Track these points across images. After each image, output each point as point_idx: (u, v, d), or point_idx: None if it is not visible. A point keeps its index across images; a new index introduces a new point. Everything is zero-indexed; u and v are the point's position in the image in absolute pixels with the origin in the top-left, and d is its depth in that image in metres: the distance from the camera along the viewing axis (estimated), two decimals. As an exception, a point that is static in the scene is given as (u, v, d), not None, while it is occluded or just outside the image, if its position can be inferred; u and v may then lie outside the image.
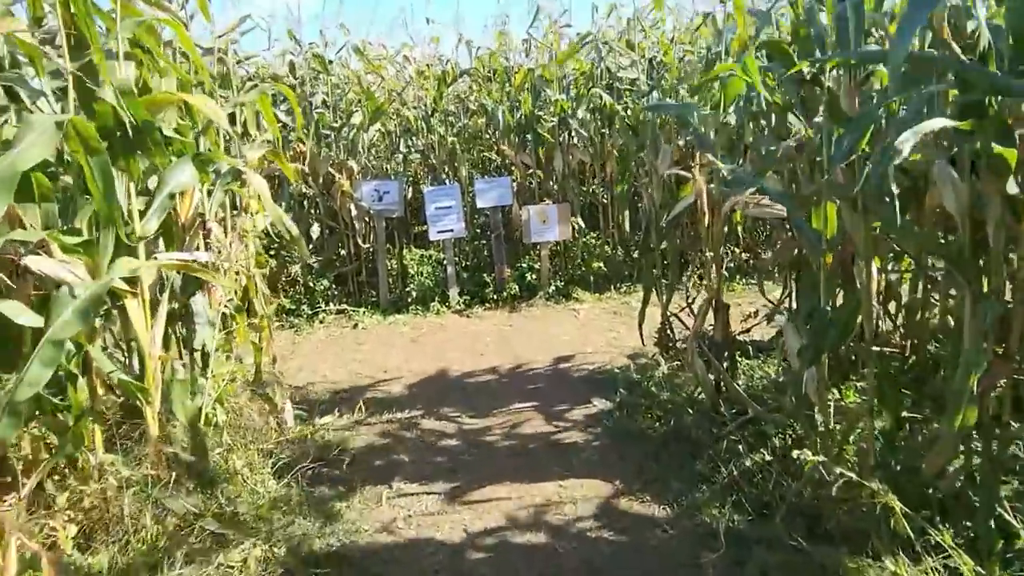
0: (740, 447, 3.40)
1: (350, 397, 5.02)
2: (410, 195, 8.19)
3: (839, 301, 3.08)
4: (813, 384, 2.63)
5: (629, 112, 7.09)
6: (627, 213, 7.30)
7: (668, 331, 4.68)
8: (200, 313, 3.43)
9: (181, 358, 3.75)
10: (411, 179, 8.01)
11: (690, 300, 4.60)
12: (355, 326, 6.79)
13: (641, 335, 4.92)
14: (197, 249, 3.54)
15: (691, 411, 3.83)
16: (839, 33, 2.29)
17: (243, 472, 3.41)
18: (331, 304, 7.12)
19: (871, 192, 2.40)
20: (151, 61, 3.34)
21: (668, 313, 4.62)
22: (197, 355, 3.60)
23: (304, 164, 7.35)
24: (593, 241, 7.57)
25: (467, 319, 6.82)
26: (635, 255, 7.59)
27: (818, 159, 3.14)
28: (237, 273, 3.66)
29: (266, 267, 4.83)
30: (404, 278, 7.51)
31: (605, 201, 7.55)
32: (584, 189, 7.74)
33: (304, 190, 7.23)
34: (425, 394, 4.98)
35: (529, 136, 7.34)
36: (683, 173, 4.17)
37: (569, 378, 5.10)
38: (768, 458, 3.30)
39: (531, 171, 7.51)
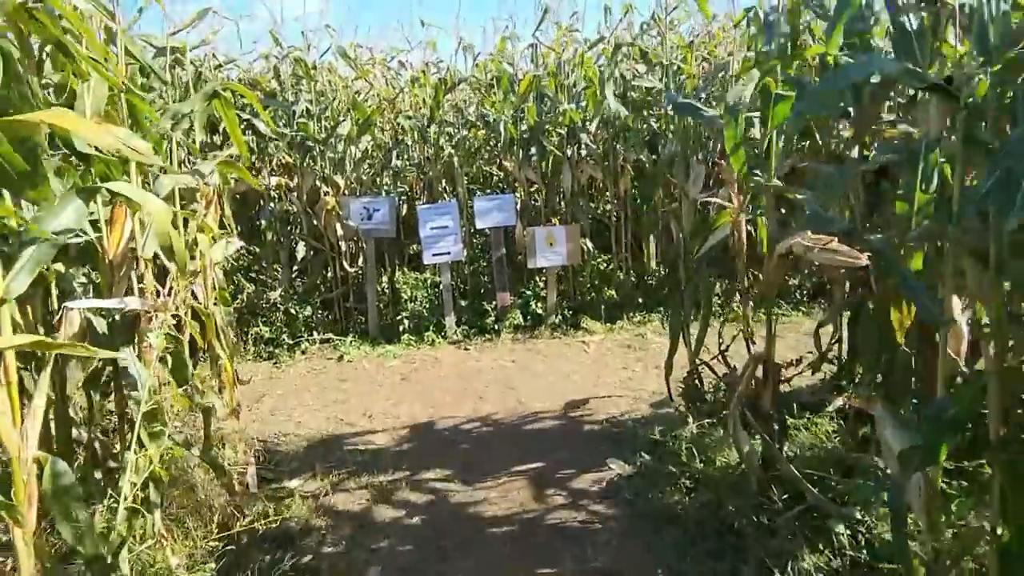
0: (797, 545, 2.72)
1: (326, 451, 4.35)
2: (404, 212, 7.55)
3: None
4: (919, 497, 1.95)
5: (647, 124, 6.45)
6: (645, 238, 6.62)
7: (696, 381, 4.01)
8: (130, 372, 2.77)
9: (122, 421, 3.10)
10: (405, 195, 7.36)
11: (723, 345, 3.92)
12: (340, 358, 6.12)
13: (668, 388, 4.25)
14: (128, 293, 2.88)
15: (732, 490, 3.15)
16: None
17: (179, 572, 2.74)
18: (315, 333, 6.45)
19: (1012, 243, 1.74)
20: (71, 63, 2.71)
21: (697, 360, 3.95)
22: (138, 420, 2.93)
23: (289, 178, 6.72)
24: (603, 265, 6.91)
25: (465, 352, 6.15)
26: (650, 282, 6.93)
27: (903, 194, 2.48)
28: (179, 322, 3.00)
29: (231, 303, 4.17)
30: (396, 304, 6.84)
31: (616, 220, 6.88)
32: (593, 207, 7.08)
33: (287, 207, 6.58)
34: (413, 450, 4.31)
35: (534, 149, 6.69)
36: (721, 202, 3.51)
37: (580, 431, 4.42)
38: (835, 563, 2.63)
39: (536, 188, 6.86)
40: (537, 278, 6.83)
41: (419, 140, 7.34)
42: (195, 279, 3.72)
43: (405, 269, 7.24)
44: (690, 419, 3.83)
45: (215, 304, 4.00)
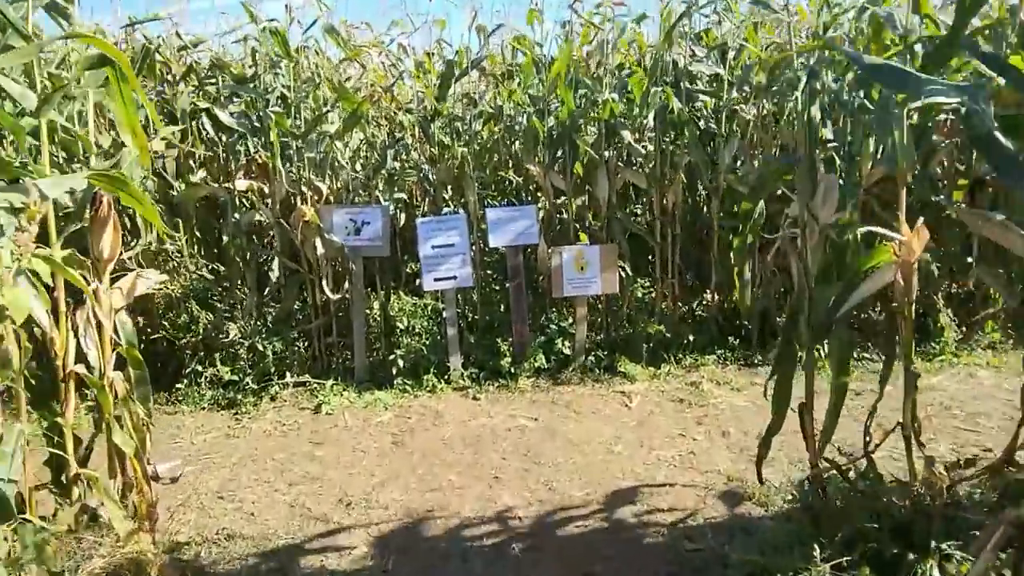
0: None
1: (283, 567, 3.10)
2: (403, 222, 6.30)
3: None
4: None
5: (700, 119, 5.21)
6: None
7: (820, 489, 2.74)
8: None
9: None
10: (402, 204, 6.11)
11: (870, 444, 2.64)
12: (317, 408, 4.87)
13: (760, 475, 3.00)
14: None
15: None
16: None
17: None
18: (288, 374, 5.20)
19: None
20: None
21: (826, 460, 2.69)
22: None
23: (264, 181, 5.48)
24: (643, 293, 5.65)
25: (474, 403, 4.89)
26: (701, 314, 5.67)
27: None
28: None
29: (142, 366, 2.90)
30: (389, 337, 5.59)
31: (661, 238, 5.61)
32: (633, 221, 5.79)
33: (258, 217, 5.32)
34: (404, 569, 3.06)
35: (562, 151, 5.43)
36: (883, 232, 2.25)
37: (640, 545, 3.15)
38: None
39: (564, 198, 5.60)
40: (563, 309, 5.58)
41: (421, 137, 6.10)
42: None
43: (401, 293, 5.99)
44: (816, 553, 2.56)
45: (117, 370, 2.76)
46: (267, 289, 5.50)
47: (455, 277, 5.22)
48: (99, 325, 2.60)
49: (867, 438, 2.56)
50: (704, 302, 5.76)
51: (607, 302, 5.56)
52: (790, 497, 2.91)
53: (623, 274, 5.41)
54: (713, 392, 4.83)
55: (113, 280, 2.82)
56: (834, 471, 2.65)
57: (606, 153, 5.28)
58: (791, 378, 2.68)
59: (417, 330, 5.62)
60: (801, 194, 2.51)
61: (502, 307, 5.65)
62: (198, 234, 5.81)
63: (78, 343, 2.55)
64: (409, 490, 3.75)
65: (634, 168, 5.40)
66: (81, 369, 2.56)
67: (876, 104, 2.19)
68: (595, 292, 5.25)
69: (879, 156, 2.67)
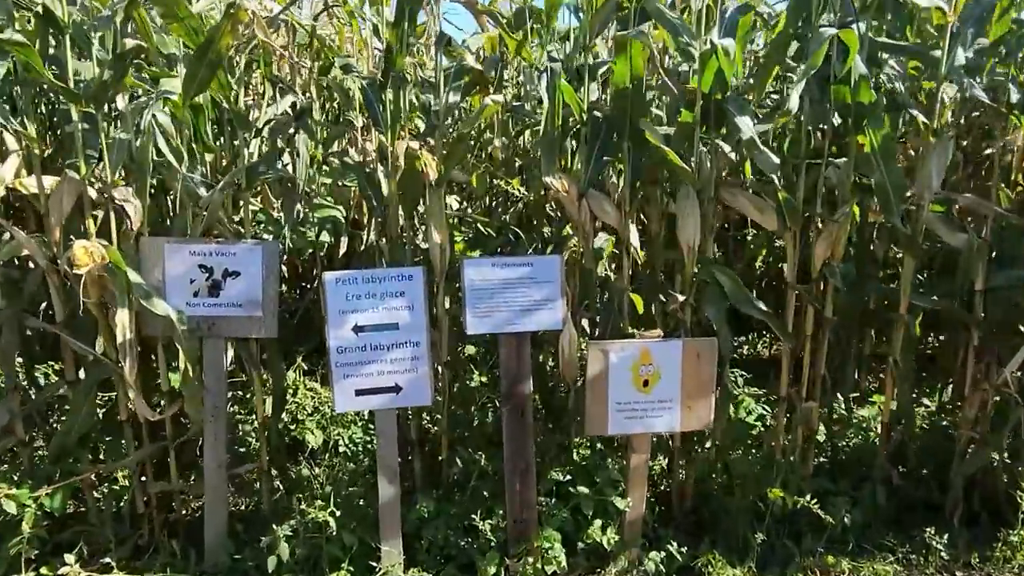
0: None
1: None
2: (342, 249, 3.74)
3: None
4: None
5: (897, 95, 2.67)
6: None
7: None
8: None
9: None
10: (314, 236, 3.49)
11: None
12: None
13: None
14: None
15: None
16: None
17: None
18: (72, 557, 2.67)
19: None
20: None
21: None
22: None
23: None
24: (752, 418, 3.10)
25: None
26: (842, 454, 3.12)
27: None
28: None
29: None
30: (283, 471, 3.07)
31: (799, 328, 3.01)
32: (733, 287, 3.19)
33: (26, 254, 2.74)
34: None
35: (612, 149, 2.84)
36: None
37: None
38: None
39: (613, 239, 3.02)
40: (602, 450, 3.00)
41: (364, 111, 3.49)
42: None
43: (319, 379, 3.41)
44: None
45: None
46: (39, 392, 2.95)
47: (397, 388, 2.65)
48: None
49: None
50: (853, 433, 3.20)
51: (683, 439, 2.99)
52: None
53: (720, 387, 2.84)
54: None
55: None
56: None
57: (695, 160, 2.69)
58: None
59: (344, 449, 3.11)
60: None
61: (489, 438, 3.06)
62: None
63: None
64: None
65: (749, 189, 2.81)
66: None
67: None
68: (670, 429, 2.69)
69: None
